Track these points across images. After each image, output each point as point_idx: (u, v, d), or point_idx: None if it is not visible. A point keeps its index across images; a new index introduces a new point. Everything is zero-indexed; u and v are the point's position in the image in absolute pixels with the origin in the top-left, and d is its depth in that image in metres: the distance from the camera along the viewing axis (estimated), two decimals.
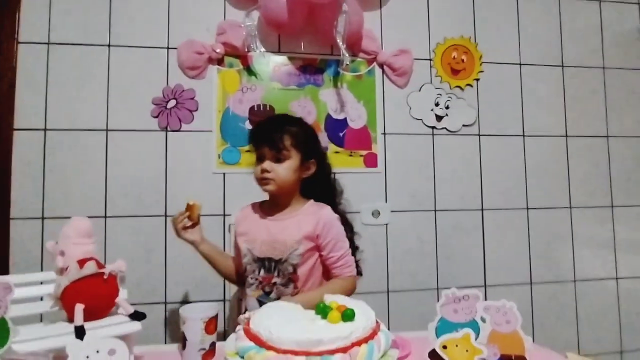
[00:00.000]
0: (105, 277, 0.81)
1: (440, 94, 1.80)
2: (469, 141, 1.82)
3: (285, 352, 0.58)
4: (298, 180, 1.13)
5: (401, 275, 1.72)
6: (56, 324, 0.78)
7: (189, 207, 1.11)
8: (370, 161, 1.72)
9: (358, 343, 0.61)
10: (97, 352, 0.65)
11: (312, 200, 1.17)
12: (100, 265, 0.82)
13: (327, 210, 1.14)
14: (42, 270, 1.50)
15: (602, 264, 1.90)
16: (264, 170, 1.08)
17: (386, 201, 1.73)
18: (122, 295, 0.85)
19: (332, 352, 0.58)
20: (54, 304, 0.79)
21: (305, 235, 1.08)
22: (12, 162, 1.53)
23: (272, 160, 1.08)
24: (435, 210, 1.77)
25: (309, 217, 1.11)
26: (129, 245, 1.56)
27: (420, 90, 1.79)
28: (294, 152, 1.10)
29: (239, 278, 1.22)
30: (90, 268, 0.79)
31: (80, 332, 0.72)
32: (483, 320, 0.81)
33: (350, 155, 1.71)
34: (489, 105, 1.84)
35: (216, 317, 0.89)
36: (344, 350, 0.59)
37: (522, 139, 1.87)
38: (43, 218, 1.52)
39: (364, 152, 1.72)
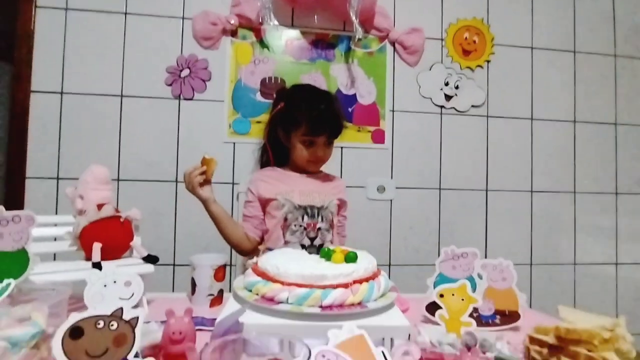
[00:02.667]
0: (121, 220, 0.85)
1: (451, 74, 1.81)
2: (477, 122, 1.83)
3: (290, 284, 0.62)
4: None
5: (404, 250, 1.76)
6: (74, 262, 0.82)
7: (205, 162, 1.08)
8: (378, 137, 1.75)
9: (359, 281, 0.64)
10: (114, 282, 0.70)
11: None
12: (116, 210, 0.87)
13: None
14: None
15: (603, 250, 1.92)
16: (319, 156, 1.18)
17: (392, 177, 1.76)
18: (137, 240, 0.89)
19: (335, 286, 0.62)
20: (73, 243, 0.83)
21: (340, 196, 1.23)
22: (29, 123, 1.58)
23: (325, 146, 1.18)
24: (440, 189, 1.79)
25: (335, 181, 1.27)
26: (140, 209, 1.60)
27: (430, 70, 1.80)
28: None
29: (246, 245, 1.20)
30: (108, 210, 0.83)
31: (98, 268, 0.77)
32: (480, 277, 0.84)
33: (359, 131, 1.73)
34: (498, 87, 1.85)
35: (224, 266, 0.94)
36: (345, 286, 0.63)
37: (530, 123, 1.88)
38: (58, 178, 1.57)
39: (372, 128, 1.74)
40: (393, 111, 1.77)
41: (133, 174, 1.61)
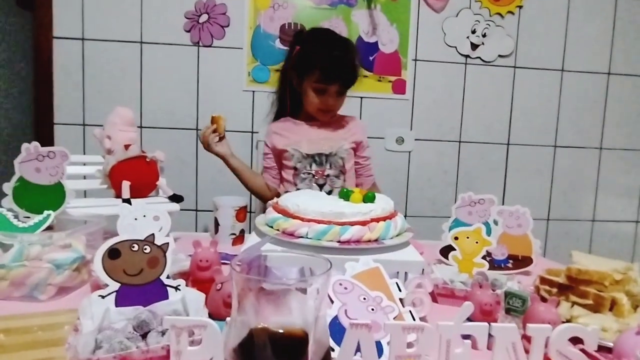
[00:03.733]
0: (147, 160, 0.88)
1: (479, 21, 1.72)
2: (503, 73, 1.76)
3: (310, 220, 0.65)
4: None
5: (420, 202, 1.78)
6: (105, 199, 0.87)
7: (214, 120, 1.13)
8: (399, 88, 1.71)
9: (376, 220, 0.66)
10: (144, 216, 0.74)
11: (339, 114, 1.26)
12: (142, 151, 0.90)
13: (359, 119, 1.29)
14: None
15: (624, 208, 1.89)
16: (330, 105, 1.16)
17: (411, 129, 1.74)
18: (162, 180, 0.93)
19: (352, 223, 0.64)
20: (103, 181, 0.87)
21: (354, 139, 1.22)
22: (53, 69, 1.60)
23: (337, 95, 1.15)
24: (460, 142, 1.77)
25: (350, 123, 1.25)
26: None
27: (457, 16, 1.71)
28: None
29: (267, 194, 1.24)
30: (134, 150, 0.87)
31: (128, 204, 0.81)
32: (495, 223, 0.85)
33: (379, 81, 1.69)
34: (529, 36, 1.76)
35: (246, 207, 0.97)
36: (363, 223, 0.65)
37: (561, 74, 1.79)
38: (84, 125, 1.62)
39: (393, 78, 1.70)
40: (415, 60, 1.71)
41: (155, 122, 1.64)
